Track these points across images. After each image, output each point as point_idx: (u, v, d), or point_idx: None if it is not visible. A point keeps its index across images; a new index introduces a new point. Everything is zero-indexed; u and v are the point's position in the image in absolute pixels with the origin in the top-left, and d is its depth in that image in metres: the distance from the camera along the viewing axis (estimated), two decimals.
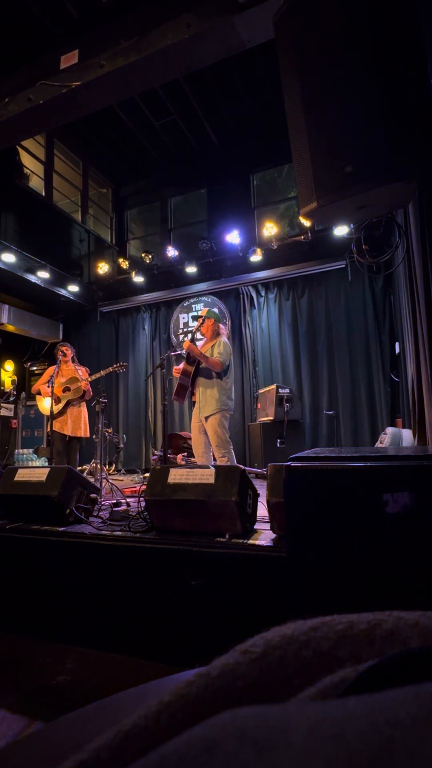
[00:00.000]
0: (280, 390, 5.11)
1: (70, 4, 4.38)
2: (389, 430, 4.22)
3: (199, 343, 3.80)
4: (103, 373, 4.09)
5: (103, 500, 2.91)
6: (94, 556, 2.07)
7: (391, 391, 5.62)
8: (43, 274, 6.42)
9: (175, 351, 4.71)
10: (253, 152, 7.31)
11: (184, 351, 3.60)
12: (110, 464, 5.98)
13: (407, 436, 3.82)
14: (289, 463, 1.50)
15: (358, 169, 2.06)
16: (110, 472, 5.80)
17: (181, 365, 3.65)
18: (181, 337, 7.04)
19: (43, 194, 7.14)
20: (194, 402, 3.60)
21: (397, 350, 5.30)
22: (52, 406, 4.00)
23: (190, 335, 3.73)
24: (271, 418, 5.08)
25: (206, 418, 3.48)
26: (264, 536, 1.93)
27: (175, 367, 3.73)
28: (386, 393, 5.64)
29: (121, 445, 4.90)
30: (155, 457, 5.76)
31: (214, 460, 3.53)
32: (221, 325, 3.76)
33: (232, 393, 3.60)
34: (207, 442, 3.57)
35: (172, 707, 0.18)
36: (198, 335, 3.90)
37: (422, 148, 2.00)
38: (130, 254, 8.27)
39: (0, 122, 4.14)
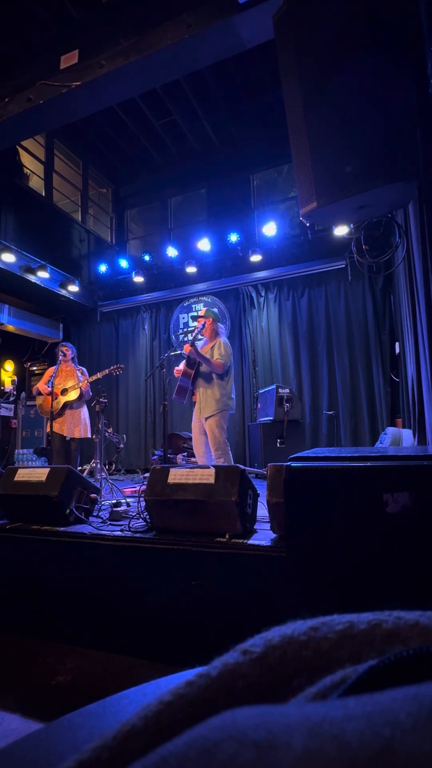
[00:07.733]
0: (280, 390, 5.10)
1: (70, 4, 4.39)
2: (389, 430, 4.23)
3: (199, 344, 3.79)
4: (100, 375, 4.09)
5: (103, 500, 2.91)
6: (93, 556, 2.07)
7: (391, 391, 5.62)
8: (43, 274, 6.42)
9: (175, 351, 4.70)
10: (253, 152, 7.31)
11: (184, 352, 3.59)
12: (110, 464, 5.98)
13: (407, 436, 3.83)
14: (289, 463, 1.50)
15: (358, 169, 2.06)
16: (110, 472, 5.80)
17: (181, 366, 3.63)
18: (181, 337, 7.04)
19: (43, 194, 7.14)
20: (194, 402, 3.60)
21: (397, 350, 5.30)
22: (51, 407, 4.00)
23: (190, 336, 3.70)
24: (271, 418, 5.07)
25: (206, 418, 3.48)
26: (264, 536, 1.93)
27: (176, 367, 3.72)
28: (386, 393, 5.64)
29: (121, 445, 4.89)
30: (155, 457, 5.76)
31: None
32: (220, 325, 3.75)
33: (232, 393, 3.60)
34: (208, 443, 3.57)
35: (172, 707, 0.18)
36: (198, 336, 3.89)
37: (422, 148, 2.01)
38: (130, 254, 8.27)
39: (0, 122, 4.14)
